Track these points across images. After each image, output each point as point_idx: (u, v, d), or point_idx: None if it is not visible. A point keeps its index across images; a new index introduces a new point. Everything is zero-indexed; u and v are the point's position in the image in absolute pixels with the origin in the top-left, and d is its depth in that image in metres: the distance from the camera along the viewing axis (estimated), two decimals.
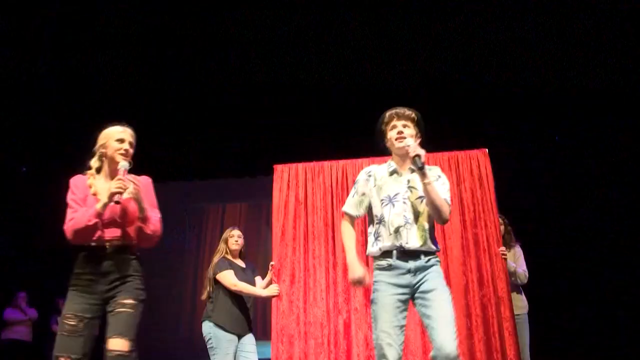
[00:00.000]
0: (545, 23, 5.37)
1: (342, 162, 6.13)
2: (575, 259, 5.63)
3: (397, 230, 2.37)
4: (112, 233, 2.30)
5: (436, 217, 2.39)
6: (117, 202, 2.24)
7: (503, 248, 3.96)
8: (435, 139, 5.85)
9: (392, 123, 2.52)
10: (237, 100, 6.33)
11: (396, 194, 2.44)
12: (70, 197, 2.35)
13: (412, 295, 2.34)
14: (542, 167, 6.16)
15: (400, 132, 2.47)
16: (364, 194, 2.55)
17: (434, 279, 2.32)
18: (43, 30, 5.65)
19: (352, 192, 2.61)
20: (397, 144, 2.46)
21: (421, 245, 2.35)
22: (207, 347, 3.47)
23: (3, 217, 6.73)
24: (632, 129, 5.54)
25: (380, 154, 6.05)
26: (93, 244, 2.29)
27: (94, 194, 2.33)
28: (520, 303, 4.09)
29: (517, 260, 4.08)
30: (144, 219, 2.31)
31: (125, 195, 2.27)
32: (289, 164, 4.33)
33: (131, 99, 6.66)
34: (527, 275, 4.04)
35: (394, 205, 2.43)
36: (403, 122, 2.50)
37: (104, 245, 2.29)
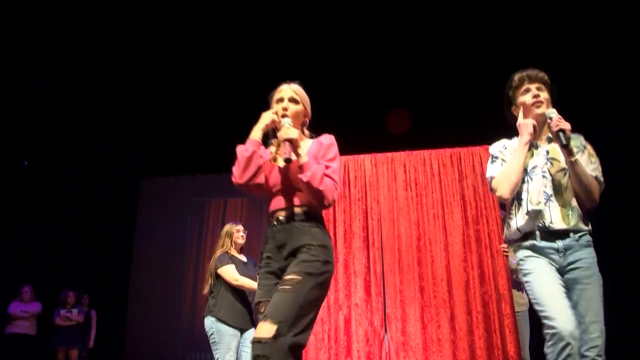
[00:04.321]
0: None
1: (344, 157, 6.16)
2: None
3: (537, 209, 2.10)
4: (281, 202, 2.05)
5: (584, 197, 2.10)
6: (287, 161, 1.98)
7: (505, 245, 3.93)
8: (437, 135, 5.89)
9: (525, 86, 2.24)
10: (239, 94, 6.32)
11: (534, 167, 2.17)
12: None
13: (562, 275, 2.08)
14: None
15: (536, 96, 2.20)
16: (504, 161, 2.26)
17: (588, 269, 2.05)
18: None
19: (492, 161, 2.31)
20: (537, 110, 2.19)
21: (568, 225, 2.08)
22: (210, 341, 3.48)
23: (7, 211, 6.74)
24: (631, 128, 5.54)
25: (381, 150, 6.08)
26: (270, 219, 2.06)
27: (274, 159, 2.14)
28: (521, 300, 4.08)
29: None
30: (300, 167, 1.96)
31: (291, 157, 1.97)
32: None
33: (132, 95, 6.66)
34: None
35: (531, 179, 2.15)
36: (537, 84, 2.23)
37: (276, 217, 2.03)
